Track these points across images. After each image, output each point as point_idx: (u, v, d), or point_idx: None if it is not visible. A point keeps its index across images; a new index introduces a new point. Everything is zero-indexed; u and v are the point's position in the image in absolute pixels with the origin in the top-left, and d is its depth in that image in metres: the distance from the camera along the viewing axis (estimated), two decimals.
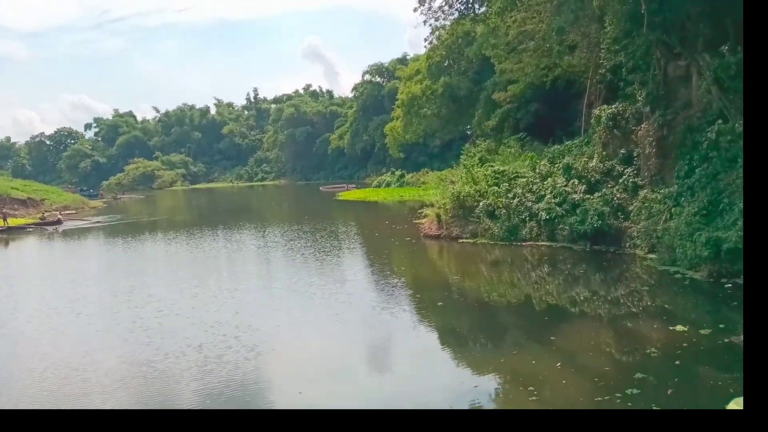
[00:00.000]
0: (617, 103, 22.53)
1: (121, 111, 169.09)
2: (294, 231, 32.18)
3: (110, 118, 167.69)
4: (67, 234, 37.62)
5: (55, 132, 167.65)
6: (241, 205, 65.43)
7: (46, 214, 46.08)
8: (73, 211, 54.46)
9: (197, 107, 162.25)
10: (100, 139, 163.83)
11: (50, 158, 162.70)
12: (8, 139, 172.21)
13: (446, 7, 37.76)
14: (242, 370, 10.76)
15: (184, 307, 15.67)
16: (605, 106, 22.96)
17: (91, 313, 15.60)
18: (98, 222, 44.21)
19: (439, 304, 15.28)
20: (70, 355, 12.04)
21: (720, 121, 16.44)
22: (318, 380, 10.40)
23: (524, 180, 23.82)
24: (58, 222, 42.27)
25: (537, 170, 24.22)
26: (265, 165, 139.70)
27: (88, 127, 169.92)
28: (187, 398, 9.69)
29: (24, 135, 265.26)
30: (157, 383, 10.37)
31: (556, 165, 23.85)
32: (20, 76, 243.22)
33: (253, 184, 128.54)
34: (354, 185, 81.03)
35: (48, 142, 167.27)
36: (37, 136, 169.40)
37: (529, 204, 22.41)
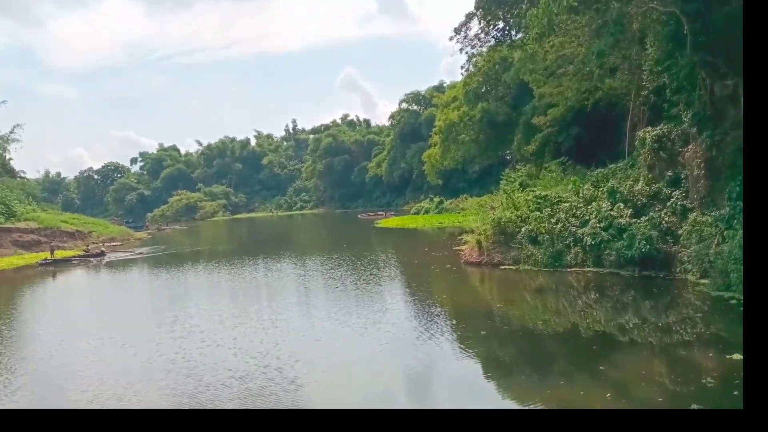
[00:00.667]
0: (662, 124, 22.11)
1: (165, 145, 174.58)
2: (334, 259, 32.18)
3: (155, 152, 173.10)
4: (111, 265, 38.42)
5: (103, 167, 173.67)
6: (281, 235, 66.06)
7: (90, 247, 47.40)
8: (119, 243, 55.82)
9: (238, 139, 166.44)
10: (145, 172, 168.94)
11: (98, 192, 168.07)
12: (58, 174, 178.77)
13: (482, 35, 38.23)
14: (284, 402, 10.61)
15: (226, 337, 15.68)
16: (650, 128, 22.55)
17: (135, 344, 15.76)
18: (141, 253, 45.06)
19: (483, 333, 14.93)
20: (114, 387, 12.10)
21: None
22: None
23: (567, 204, 23.37)
24: (102, 254, 43.29)
25: (580, 194, 23.77)
26: (303, 194, 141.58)
27: (134, 161, 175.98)
28: None
29: (74, 170, 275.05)
30: None
31: (600, 189, 23.38)
32: (71, 116, 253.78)
33: (293, 213, 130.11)
34: (392, 213, 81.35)
35: (96, 177, 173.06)
36: (85, 171, 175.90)
37: (573, 229, 21.92)
